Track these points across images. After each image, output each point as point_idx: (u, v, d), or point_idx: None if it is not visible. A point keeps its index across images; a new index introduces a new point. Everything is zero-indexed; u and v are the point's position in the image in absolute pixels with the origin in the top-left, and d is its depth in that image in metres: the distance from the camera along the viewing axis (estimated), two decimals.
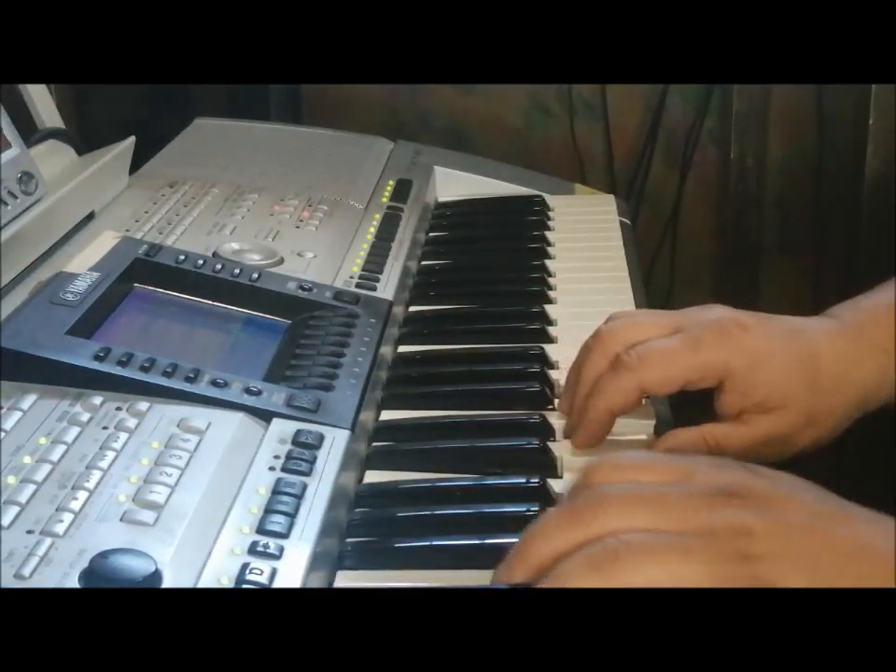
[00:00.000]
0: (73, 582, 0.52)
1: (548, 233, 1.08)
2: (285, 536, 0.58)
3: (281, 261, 0.91)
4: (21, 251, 0.83)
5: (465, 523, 0.64)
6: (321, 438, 0.67)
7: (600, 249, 1.05)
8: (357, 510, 0.66)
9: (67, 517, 0.56)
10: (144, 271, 0.83)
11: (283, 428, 0.67)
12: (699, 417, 0.72)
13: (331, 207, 1.04)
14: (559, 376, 0.79)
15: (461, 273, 1.02)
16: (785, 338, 0.71)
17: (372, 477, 0.70)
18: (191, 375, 0.69)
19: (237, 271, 0.84)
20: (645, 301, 0.95)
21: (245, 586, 0.54)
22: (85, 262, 0.81)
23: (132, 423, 0.65)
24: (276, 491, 0.61)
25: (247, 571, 0.55)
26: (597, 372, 0.71)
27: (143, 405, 0.67)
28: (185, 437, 0.64)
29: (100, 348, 0.70)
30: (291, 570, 0.56)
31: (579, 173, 1.69)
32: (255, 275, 0.84)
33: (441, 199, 1.19)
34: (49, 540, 0.55)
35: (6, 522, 0.56)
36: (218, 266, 0.85)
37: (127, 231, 0.93)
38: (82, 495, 0.58)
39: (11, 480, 0.59)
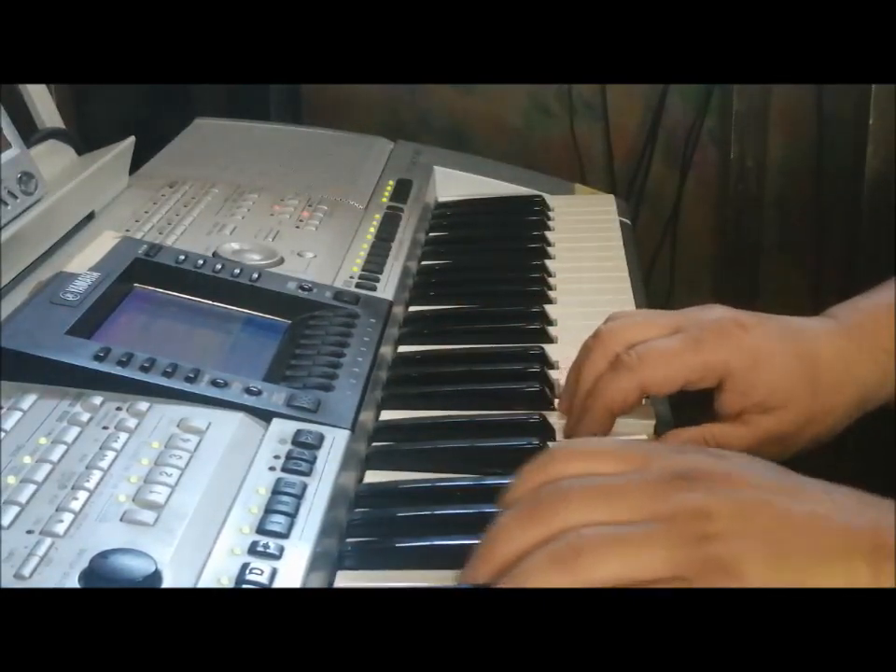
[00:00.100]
0: (73, 582, 0.52)
1: (548, 233, 1.08)
2: (285, 536, 0.58)
3: (281, 261, 0.91)
4: (21, 251, 0.83)
5: (465, 523, 0.63)
6: (321, 438, 0.67)
7: (600, 249, 1.05)
8: (357, 510, 0.66)
9: (67, 517, 0.56)
10: (144, 271, 0.83)
11: (283, 428, 0.67)
12: (699, 417, 0.72)
13: (331, 207, 1.04)
14: (559, 376, 0.79)
15: (461, 273, 1.02)
16: (785, 338, 0.71)
17: (372, 477, 0.70)
18: (191, 375, 0.69)
19: (237, 271, 0.84)
20: (645, 301, 0.95)
21: (244, 586, 0.54)
22: (85, 262, 0.81)
23: (132, 423, 0.65)
24: (276, 491, 0.61)
25: (247, 571, 0.55)
26: (597, 372, 0.71)
27: (143, 405, 0.67)
28: (185, 437, 0.64)
29: (100, 348, 0.70)
30: (291, 570, 0.56)
31: (579, 173, 1.70)
32: (255, 275, 0.84)
33: (441, 199, 1.19)
34: (48, 540, 0.55)
35: (6, 522, 0.56)
36: (218, 266, 0.84)
37: (127, 231, 0.93)
38: (82, 495, 0.58)
39: (11, 480, 0.59)
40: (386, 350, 0.83)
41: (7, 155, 0.88)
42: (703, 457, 0.54)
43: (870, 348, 0.72)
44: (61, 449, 0.62)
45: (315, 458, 0.65)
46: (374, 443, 0.73)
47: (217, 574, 0.55)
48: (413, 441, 0.74)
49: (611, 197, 1.20)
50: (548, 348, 0.83)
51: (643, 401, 0.72)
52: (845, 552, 0.48)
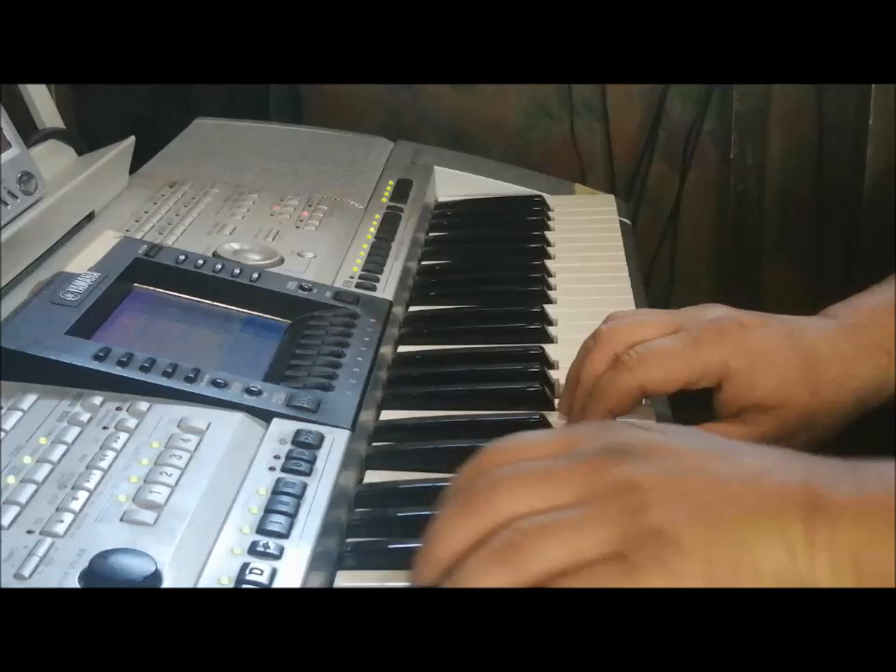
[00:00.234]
0: (73, 582, 0.52)
1: (548, 233, 1.08)
2: (285, 536, 0.58)
3: (281, 261, 0.91)
4: (21, 251, 0.83)
5: None
6: (321, 438, 0.67)
7: (600, 249, 1.05)
8: (357, 510, 0.66)
9: (67, 517, 0.56)
10: (144, 271, 0.83)
11: (283, 428, 0.67)
12: (699, 417, 0.72)
13: (331, 207, 1.04)
14: (559, 376, 0.79)
15: (461, 273, 1.02)
16: (784, 338, 0.71)
17: (372, 477, 0.70)
18: (191, 375, 0.69)
19: (237, 271, 0.84)
20: (645, 301, 0.95)
21: (244, 586, 0.54)
22: (85, 262, 0.81)
23: (132, 423, 0.65)
24: (276, 491, 0.61)
25: (247, 571, 0.55)
26: (597, 373, 0.71)
27: (143, 405, 0.67)
28: (185, 437, 0.64)
29: (100, 348, 0.70)
30: (291, 570, 0.56)
31: (579, 173, 1.69)
32: (255, 275, 0.84)
33: (441, 199, 1.19)
34: (48, 540, 0.55)
35: (6, 522, 0.56)
36: (218, 266, 0.85)
37: (127, 231, 0.93)
38: (82, 495, 0.58)
39: (11, 480, 0.59)
40: (386, 350, 0.83)
41: (7, 155, 0.88)
42: (630, 431, 0.54)
43: (869, 348, 0.72)
44: (61, 449, 0.62)
45: (315, 458, 0.65)
46: (374, 443, 0.73)
47: (217, 574, 0.55)
48: (413, 441, 0.73)
49: (611, 197, 1.20)
50: (548, 348, 0.83)
51: (643, 402, 0.72)
52: (778, 509, 0.48)
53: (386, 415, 0.77)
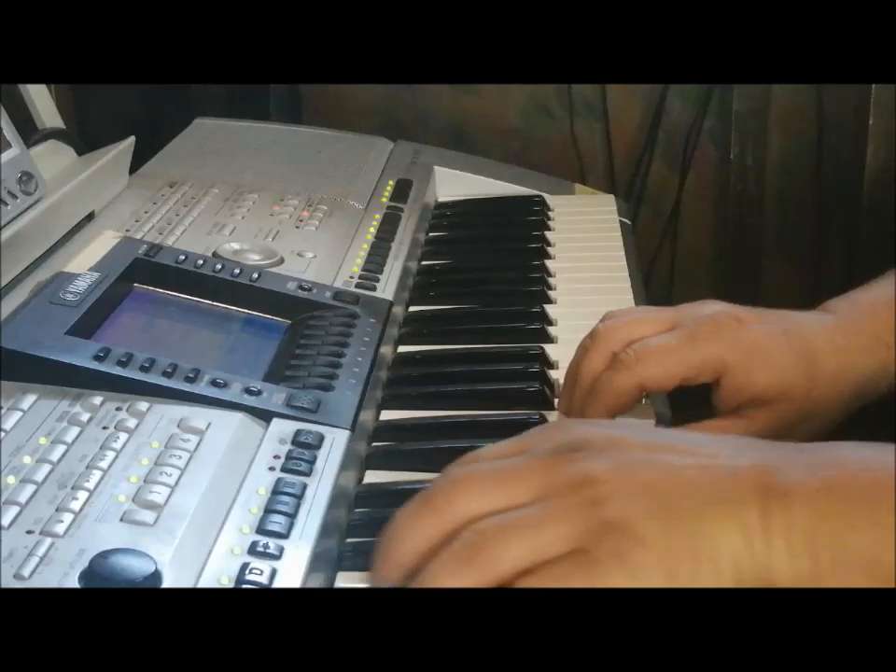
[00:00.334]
0: (73, 582, 0.52)
1: (548, 233, 1.08)
2: (285, 536, 0.58)
3: (281, 261, 0.91)
4: (21, 251, 0.83)
5: None
6: (321, 438, 0.67)
7: (600, 249, 1.05)
8: (357, 510, 0.66)
9: (67, 517, 0.56)
10: (144, 271, 0.83)
11: (283, 429, 0.67)
12: (699, 416, 0.72)
13: (331, 207, 1.04)
14: (559, 376, 0.79)
15: (461, 273, 1.02)
16: (781, 332, 0.72)
17: (372, 477, 0.70)
18: (191, 375, 0.69)
19: (237, 271, 0.84)
20: (645, 301, 0.95)
21: (244, 586, 0.54)
22: (85, 262, 0.81)
23: (132, 423, 0.65)
24: (276, 491, 0.61)
25: (247, 571, 0.55)
26: (595, 372, 0.71)
27: (143, 405, 0.67)
28: (185, 437, 0.64)
29: (100, 348, 0.70)
30: (291, 570, 0.56)
31: (579, 173, 1.69)
32: (255, 275, 0.84)
33: (441, 199, 1.19)
34: (48, 540, 0.55)
35: (6, 522, 0.56)
36: (218, 266, 0.85)
37: (127, 231, 0.93)
38: (82, 495, 0.58)
39: (11, 480, 0.59)
40: (386, 350, 0.83)
41: (7, 155, 0.88)
42: (585, 428, 0.55)
43: (867, 341, 0.72)
44: (61, 449, 0.62)
45: (315, 458, 0.65)
46: (374, 443, 0.73)
47: (217, 574, 0.55)
48: (413, 441, 0.74)
49: (611, 197, 1.20)
50: (548, 348, 0.83)
51: (643, 401, 0.72)
52: (733, 496, 0.49)
53: (386, 415, 0.77)
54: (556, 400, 0.76)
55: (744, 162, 1.67)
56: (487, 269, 1.02)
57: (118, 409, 0.66)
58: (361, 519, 0.65)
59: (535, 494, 0.51)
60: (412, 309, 0.93)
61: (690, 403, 0.74)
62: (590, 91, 1.71)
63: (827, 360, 0.71)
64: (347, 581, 0.60)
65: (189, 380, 0.69)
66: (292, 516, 0.59)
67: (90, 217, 0.96)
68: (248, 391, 0.69)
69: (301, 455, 0.65)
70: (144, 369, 0.69)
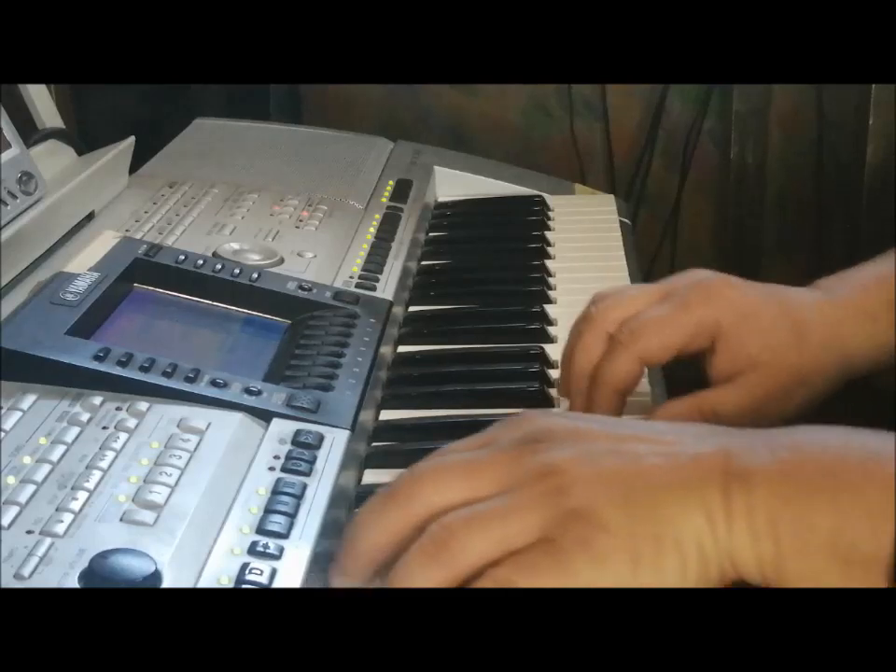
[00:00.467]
0: (73, 582, 0.52)
1: (548, 233, 1.08)
2: (285, 536, 0.58)
3: (281, 261, 0.91)
4: (21, 251, 0.83)
5: None
6: (321, 438, 0.67)
7: (600, 249, 1.05)
8: (357, 510, 0.66)
9: (67, 517, 0.56)
10: (144, 271, 0.83)
11: (283, 429, 0.67)
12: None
13: (331, 207, 1.04)
14: (559, 376, 0.79)
15: (461, 272, 1.02)
16: (771, 298, 0.72)
17: (372, 477, 0.70)
18: (191, 375, 0.69)
19: (237, 271, 0.84)
20: None
21: (244, 586, 0.54)
22: (85, 262, 0.81)
23: (132, 423, 0.65)
24: (276, 491, 0.61)
25: (247, 571, 0.55)
26: (591, 354, 0.71)
27: (143, 405, 0.67)
28: (185, 437, 0.64)
29: (100, 348, 0.70)
30: (291, 570, 0.56)
31: (579, 173, 1.70)
32: (255, 275, 0.84)
33: (441, 199, 1.19)
34: (48, 540, 0.55)
35: (6, 522, 0.56)
36: (218, 266, 0.85)
37: (127, 231, 0.93)
38: (82, 495, 0.58)
39: (11, 480, 0.59)
40: (386, 350, 0.83)
41: (7, 155, 0.88)
42: (549, 419, 0.55)
43: (854, 314, 0.72)
44: (61, 449, 0.62)
45: (315, 458, 0.65)
46: (374, 443, 0.73)
47: (217, 574, 0.55)
48: (413, 441, 0.74)
49: (611, 197, 1.20)
50: (548, 348, 0.83)
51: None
52: (696, 481, 0.49)
53: (386, 415, 0.77)
54: (557, 399, 0.76)
55: (744, 162, 1.67)
56: (487, 269, 1.02)
57: (118, 409, 0.66)
58: None
59: (499, 485, 0.52)
60: (411, 309, 0.93)
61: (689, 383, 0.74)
62: (590, 90, 1.71)
63: (816, 329, 0.71)
64: None
65: (188, 380, 0.69)
66: (292, 516, 0.59)
67: (90, 216, 0.96)
68: (248, 391, 0.69)
69: (301, 454, 0.65)
70: (144, 369, 0.69)
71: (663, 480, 0.50)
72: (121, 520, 0.57)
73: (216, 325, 0.81)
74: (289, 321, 0.82)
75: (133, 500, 0.58)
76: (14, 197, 0.86)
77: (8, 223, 0.83)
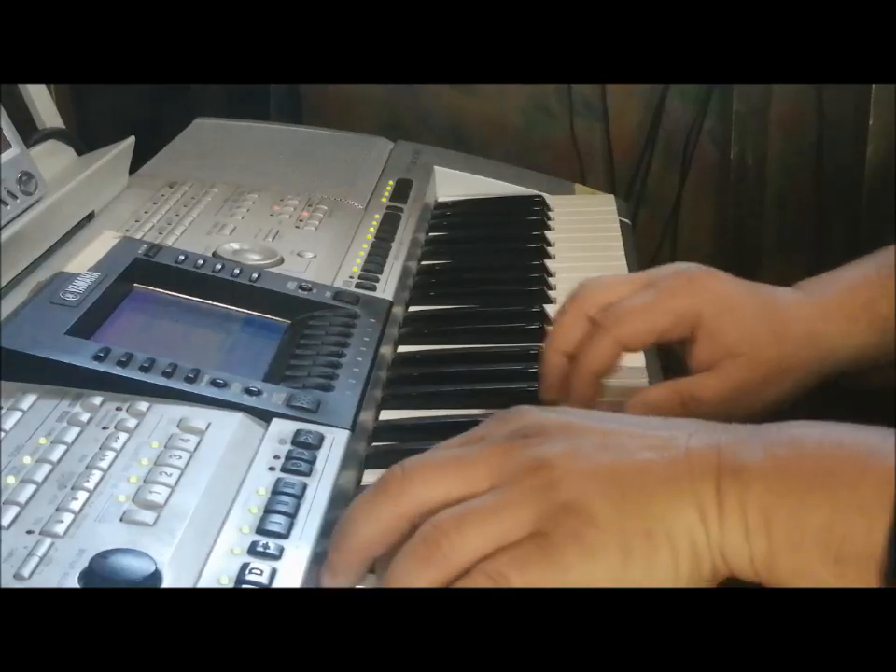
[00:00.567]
0: (73, 582, 0.52)
1: (548, 233, 1.08)
2: (285, 536, 0.58)
3: (281, 261, 0.91)
4: (21, 251, 0.83)
5: None
6: (321, 438, 0.67)
7: (600, 249, 1.05)
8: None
9: (67, 517, 0.56)
10: (144, 271, 0.83)
11: (283, 429, 0.67)
12: None
13: (331, 207, 1.04)
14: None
15: (461, 272, 1.02)
16: (751, 291, 0.74)
17: (372, 477, 0.70)
18: (191, 375, 0.69)
19: (237, 271, 0.84)
20: None
21: (244, 586, 0.54)
22: (85, 262, 0.81)
23: (132, 423, 0.65)
24: (276, 491, 0.61)
25: (247, 571, 0.55)
26: (568, 334, 0.72)
27: (143, 405, 0.67)
28: (185, 437, 0.64)
29: (100, 348, 0.70)
30: (291, 570, 0.56)
31: (579, 173, 1.70)
32: (255, 275, 0.84)
33: (441, 199, 1.19)
34: (48, 540, 0.55)
35: (6, 522, 0.56)
36: (218, 266, 0.85)
37: (127, 231, 0.93)
38: (82, 495, 0.58)
39: (11, 480, 0.59)
40: (386, 350, 0.83)
41: (7, 155, 0.88)
42: (540, 414, 0.55)
43: (833, 313, 0.73)
44: (61, 449, 0.62)
45: (315, 458, 0.65)
46: (374, 443, 0.73)
47: (217, 574, 0.55)
48: (413, 441, 0.73)
49: (611, 197, 1.20)
50: None
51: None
52: (688, 476, 0.49)
53: (386, 415, 0.77)
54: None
55: (744, 162, 1.67)
56: (487, 269, 1.02)
57: (118, 409, 0.66)
58: None
59: (491, 480, 0.52)
60: (412, 309, 0.93)
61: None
62: (590, 90, 1.71)
63: (795, 326, 0.72)
64: None
65: (189, 380, 0.69)
66: (292, 516, 0.59)
67: (90, 217, 0.96)
68: (248, 391, 0.69)
69: (301, 455, 0.65)
70: (144, 369, 0.69)
71: (655, 475, 0.50)
72: (121, 520, 0.57)
73: (216, 325, 0.81)
74: (289, 321, 0.82)
75: (133, 500, 0.58)
76: (14, 197, 0.86)
77: (8, 223, 0.83)
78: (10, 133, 0.89)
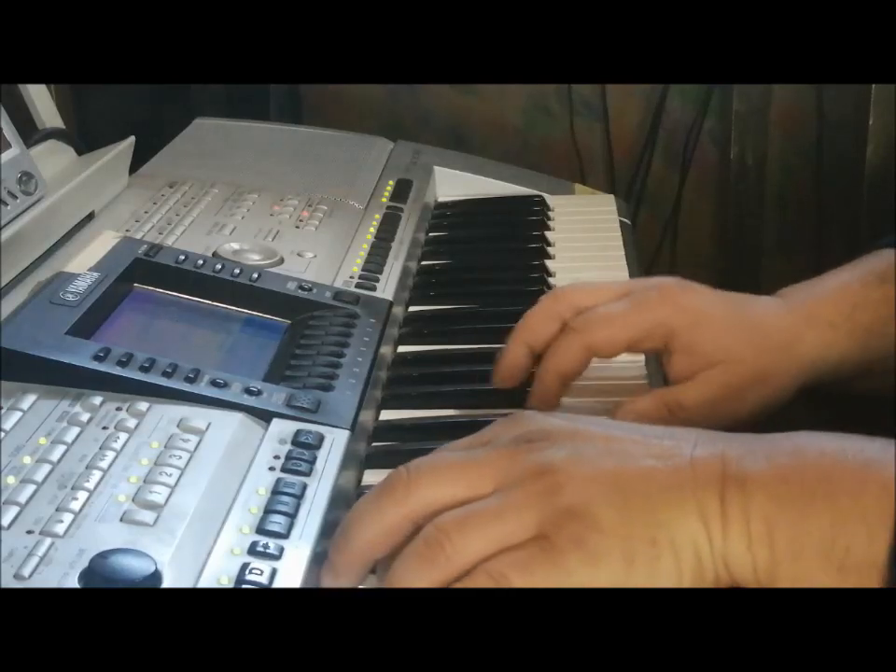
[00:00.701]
0: (73, 582, 0.52)
1: (548, 233, 1.08)
2: (285, 536, 0.58)
3: (281, 261, 0.91)
4: (21, 251, 0.83)
5: None
6: (321, 438, 0.67)
7: (600, 249, 1.05)
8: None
9: (67, 517, 0.56)
10: (144, 271, 0.83)
11: (283, 429, 0.67)
12: None
13: (331, 207, 1.04)
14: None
15: (461, 272, 1.02)
16: (725, 301, 0.74)
17: (372, 477, 0.70)
18: (191, 375, 0.69)
19: (237, 271, 0.84)
20: None
21: (244, 586, 0.54)
22: (85, 262, 0.81)
23: (132, 423, 0.65)
24: (276, 491, 0.61)
25: (247, 571, 0.55)
26: (536, 327, 0.73)
27: (143, 405, 0.67)
28: (185, 437, 0.64)
29: (100, 348, 0.70)
30: (291, 570, 0.56)
31: (579, 173, 1.70)
32: (255, 275, 0.84)
33: (441, 199, 1.19)
34: (48, 540, 0.55)
35: (6, 522, 0.56)
36: (218, 266, 0.85)
37: (127, 231, 0.93)
38: (82, 495, 0.58)
39: (11, 480, 0.59)
40: (386, 350, 0.83)
41: (7, 155, 0.88)
42: (545, 420, 0.56)
43: (813, 319, 0.73)
44: (61, 449, 0.62)
45: (315, 458, 0.65)
46: (374, 443, 0.73)
47: (217, 574, 0.55)
48: (413, 441, 0.73)
49: (611, 197, 1.20)
50: None
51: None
52: (692, 484, 0.50)
53: (386, 415, 0.77)
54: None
55: (744, 162, 1.67)
56: (487, 269, 1.02)
57: (118, 409, 0.66)
58: None
59: (495, 483, 0.52)
60: (412, 309, 0.93)
61: None
62: (590, 90, 1.71)
63: (774, 333, 0.73)
64: None
65: (189, 380, 0.69)
66: (292, 516, 0.59)
67: (90, 216, 0.96)
68: (248, 391, 0.69)
69: (301, 455, 0.65)
70: (144, 369, 0.69)
71: (659, 482, 0.50)
72: (121, 520, 0.57)
73: (216, 325, 0.81)
74: (289, 321, 0.82)
75: (133, 500, 0.58)
76: (14, 197, 0.86)
77: (8, 223, 0.83)
78: (10, 132, 0.89)
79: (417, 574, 0.50)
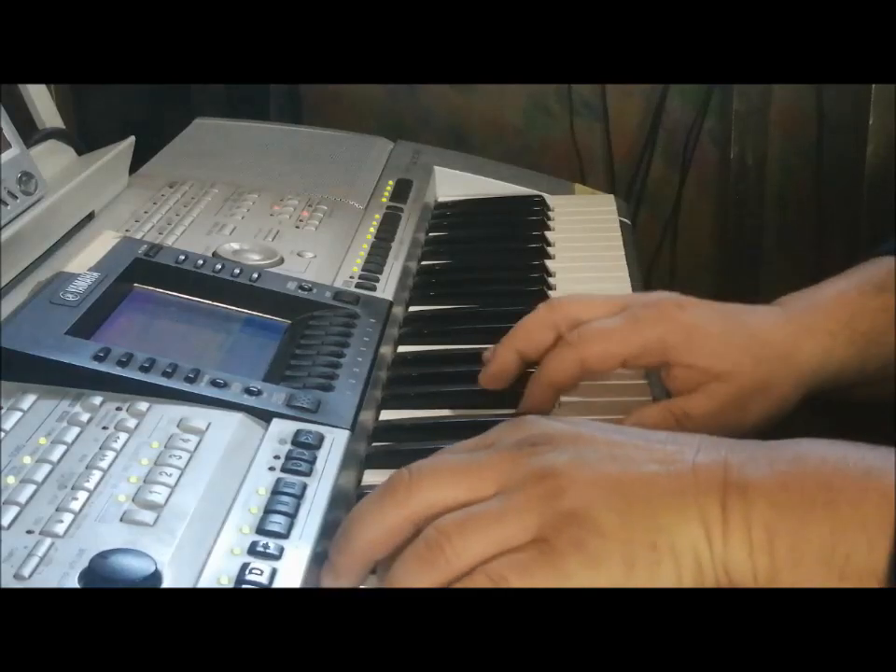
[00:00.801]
0: (73, 583, 0.52)
1: (548, 233, 1.08)
2: (285, 536, 0.58)
3: (281, 261, 0.91)
4: (21, 251, 0.83)
5: None
6: (321, 438, 0.67)
7: (600, 249, 1.05)
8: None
9: (67, 517, 0.56)
10: (144, 271, 0.83)
11: (283, 429, 0.67)
12: None
13: (331, 207, 1.04)
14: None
15: (461, 272, 1.02)
16: (720, 314, 0.74)
17: (372, 477, 0.70)
18: (191, 375, 0.69)
19: (237, 271, 0.84)
20: None
21: (244, 586, 0.54)
22: (85, 262, 0.81)
23: (132, 423, 0.65)
24: (276, 491, 0.61)
25: (247, 571, 0.55)
26: (529, 335, 0.74)
27: (143, 405, 0.67)
28: (185, 437, 0.64)
29: (100, 348, 0.70)
30: (291, 570, 0.56)
31: (579, 173, 1.70)
32: (255, 275, 0.84)
33: (441, 199, 1.19)
34: (48, 540, 0.55)
35: (6, 522, 0.56)
36: (218, 266, 0.85)
37: (127, 231, 0.93)
38: (82, 495, 0.58)
39: (11, 480, 0.59)
40: (386, 350, 0.83)
41: (7, 155, 0.88)
42: (548, 424, 0.56)
43: (812, 328, 0.73)
44: (61, 449, 0.62)
45: (315, 458, 0.65)
46: (374, 443, 0.73)
47: (217, 574, 0.55)
48: (413, 441, 0.74)
49: (611, 197, 1.20)
50: None
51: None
52: (694, 490, 0.50)
53: (386, 415, 0.77)
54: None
55: (744, 162, 1.67)
56: (487, 269, 1.02)
57: (118, 409, 0.66)
58: None
59: (497, 486, 0.52)
60: (412, 309, 0.93)
61: None
62: (590, 91, 1.71)
63: (772, 343, 0.72)
64: None
65: (188, 380, 0.69)
66: (292, 516, 0.59)
67: (90, 216, 0.96)
68: (248, 391, 0.69)
69: (301, 455, 0.65)
70: (144, 369, 0.69)
71: (661, 488, 0.50)
72: (121, 520, 0.57)
73: (216, 325, 0.81)
74: (289, 321, 0.82)
75: (133, 500, 0.58)
76: (14, 197, 0.86)
77: (8, 223, 0.83)
78: (10, 132, 0.89)
79: (417, 575, 0.50)
